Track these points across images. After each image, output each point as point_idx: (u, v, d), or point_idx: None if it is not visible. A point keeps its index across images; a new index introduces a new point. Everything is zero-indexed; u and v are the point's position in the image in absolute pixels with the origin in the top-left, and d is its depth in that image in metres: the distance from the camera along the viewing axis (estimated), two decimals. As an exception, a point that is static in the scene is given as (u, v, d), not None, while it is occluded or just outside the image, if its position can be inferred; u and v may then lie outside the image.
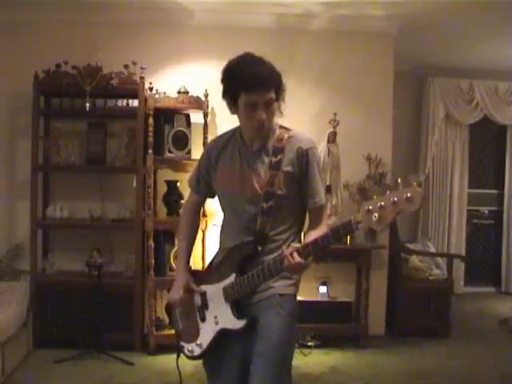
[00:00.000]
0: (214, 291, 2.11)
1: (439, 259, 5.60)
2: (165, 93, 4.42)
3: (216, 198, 2.26)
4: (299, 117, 4.70)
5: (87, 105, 4.24)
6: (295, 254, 1.89)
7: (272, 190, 2.02)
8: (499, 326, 5.35)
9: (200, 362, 2.26)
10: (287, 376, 2.10)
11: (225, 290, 2.08)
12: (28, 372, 3.90)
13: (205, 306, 2.15)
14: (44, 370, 3.91)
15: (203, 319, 2.15)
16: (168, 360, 4.04)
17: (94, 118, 4.55)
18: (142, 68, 4.32)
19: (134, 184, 4.39)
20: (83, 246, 4.49)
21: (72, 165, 4.54)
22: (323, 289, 4.69)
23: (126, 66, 4.31)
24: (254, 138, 2.08)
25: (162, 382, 3.75)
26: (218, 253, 2.23)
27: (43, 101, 4.54)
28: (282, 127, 2.13)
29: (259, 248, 2.04)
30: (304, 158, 2.05)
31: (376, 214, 1.73)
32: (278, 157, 2.04)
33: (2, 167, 4.69)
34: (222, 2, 4.51)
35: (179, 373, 2.31)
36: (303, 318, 4.48)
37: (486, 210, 6.97)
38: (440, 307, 4.93)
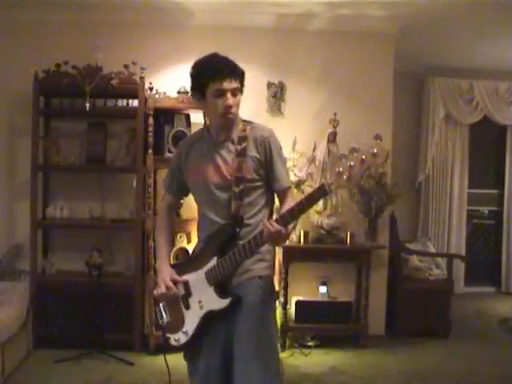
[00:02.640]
0: (197, 277, 2.20)
1: (439, 259, 5.60)
2: (165, 93, 4.41)
3: (190, 196, 2.39)
4: (299, 117, 4.72)
5: (87, 105, 4.24)
6: (274, 223, 1.97)
7: (241, 174, 2.15)
8: (499, 326, 5.35)
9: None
10: (274, 355, 2.19)
11: (207, 273, 2.16)
12: (28, 372, 3.90)
13: (188, 294, 2.23)
14: (44, 370, 3.91)
15: (187, 307, 2.23)
16: (168, 360, 4.04)
17: (93, 118, 4.56)
18: (141, 68, 4.32)
19: (134, 184, 4.39)
20: (83, 246, 4.49)
21: (72, 165, 4.54)
22: (323, 289, 4.69)
23: (126, 66, 4.31)
24: (221, 126, 2.20)
25: (162, 382, 3.75)
26: (196, 245, 2.34)
27: (43, 101, 4.54)
28: (244, 121, 2.27)
29: (237, 229, 2.14)
30: (267, 144, 2.20)
31: (347, 173, 1.84)
32: (243, 144, 2.18)
33: (2, 167, 4.69)
34: (221, 1, 4.51)
35: (168, 369, 2.39)
36: (303, 318, 4.55)
37: (485, 210, 6.97)
38: (440, 307, 4.93)
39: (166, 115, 4.42)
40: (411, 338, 4.80)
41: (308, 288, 4.74)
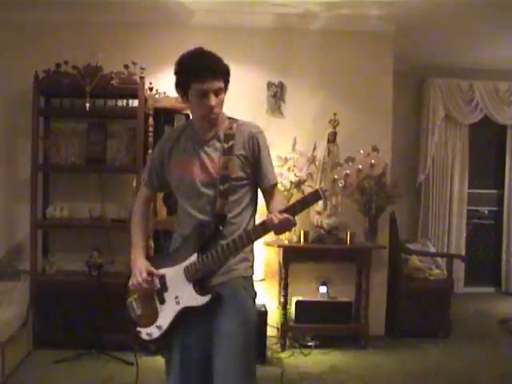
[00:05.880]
0: (174, 273, 2.16)
1: (439, 259, 5.60)
2: (165, 93, 4.42)
3: (164, 194, 2.34)
4: (299, 117, 4.72)
5: (87, 105, 4.24)
6: (281, 213, 1.99)
7: (227, 172, 2.14)
8: (499, 326, 5.35)
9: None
10: (253, 357, 2.19)
11: (186, 269, 2.13)
12: (28, 372, 3.90)
13: (164, 288, 2.19)
14: (44, 370, 3.91)
15: (162, 301, 2.19)
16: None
17: (93, 118, 4.56)
18: (141, 68, 4.32)
19: (134, 184, 4.40)
20: (83, 246, 4.49)
21: (72, 165, 4.54)
22: (323, 289, 4.69)
23: (126, 66, 4.31)
24: (205, 126, 2.17)
25: (162, 382, 3.73)
26: (174, 239, 2.29)
27: (43, 101, 4.54)
28: (230, 118, 2.25)
29: (221, 227, 2.12)
30: (255, 141, 2.19)
31: (342, 181, 1.95)
32: (230, 142, 2.17)
33: (2, 167, 4.69)
34: (222, 1, 4.51)
35: (137, 367, 2.43)
36: (303, 318, 4.55)
37: (485, 210, 6.97)
38: (440, 307, 4.93)
39: (166, 115, 4.43)
40: (411, 338, 4.79)
41: (308, 288, 4.74)
